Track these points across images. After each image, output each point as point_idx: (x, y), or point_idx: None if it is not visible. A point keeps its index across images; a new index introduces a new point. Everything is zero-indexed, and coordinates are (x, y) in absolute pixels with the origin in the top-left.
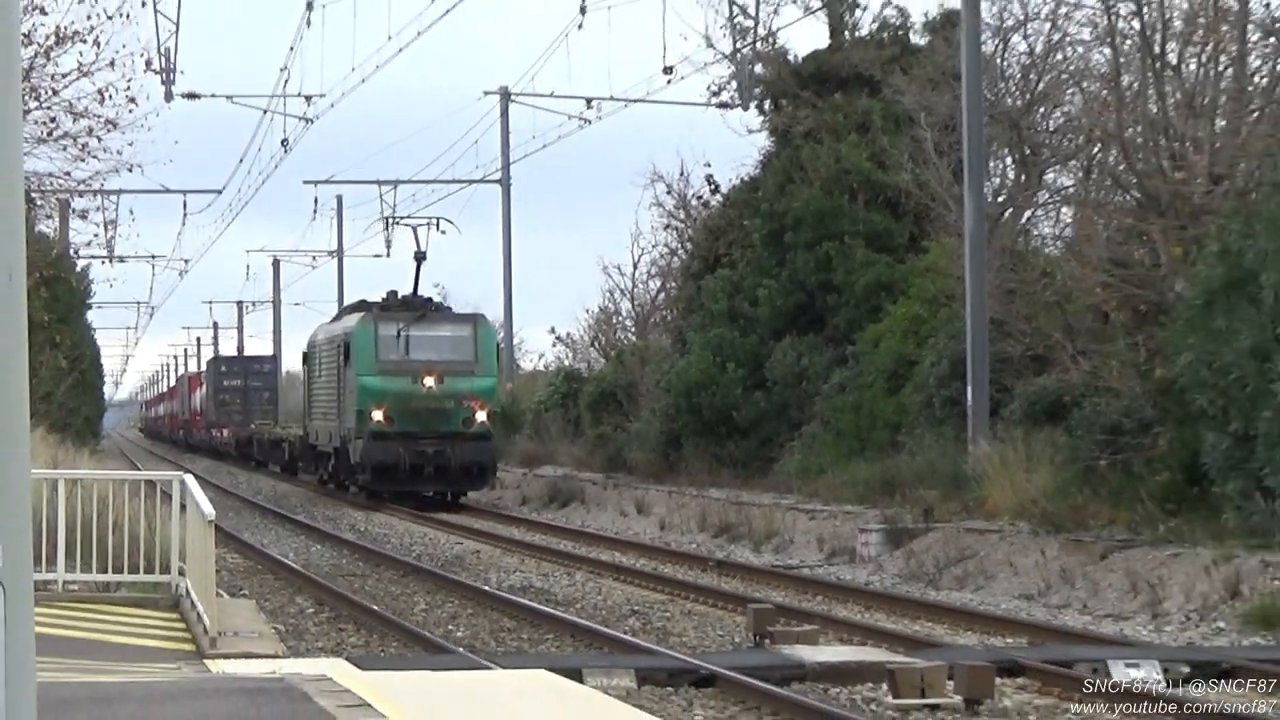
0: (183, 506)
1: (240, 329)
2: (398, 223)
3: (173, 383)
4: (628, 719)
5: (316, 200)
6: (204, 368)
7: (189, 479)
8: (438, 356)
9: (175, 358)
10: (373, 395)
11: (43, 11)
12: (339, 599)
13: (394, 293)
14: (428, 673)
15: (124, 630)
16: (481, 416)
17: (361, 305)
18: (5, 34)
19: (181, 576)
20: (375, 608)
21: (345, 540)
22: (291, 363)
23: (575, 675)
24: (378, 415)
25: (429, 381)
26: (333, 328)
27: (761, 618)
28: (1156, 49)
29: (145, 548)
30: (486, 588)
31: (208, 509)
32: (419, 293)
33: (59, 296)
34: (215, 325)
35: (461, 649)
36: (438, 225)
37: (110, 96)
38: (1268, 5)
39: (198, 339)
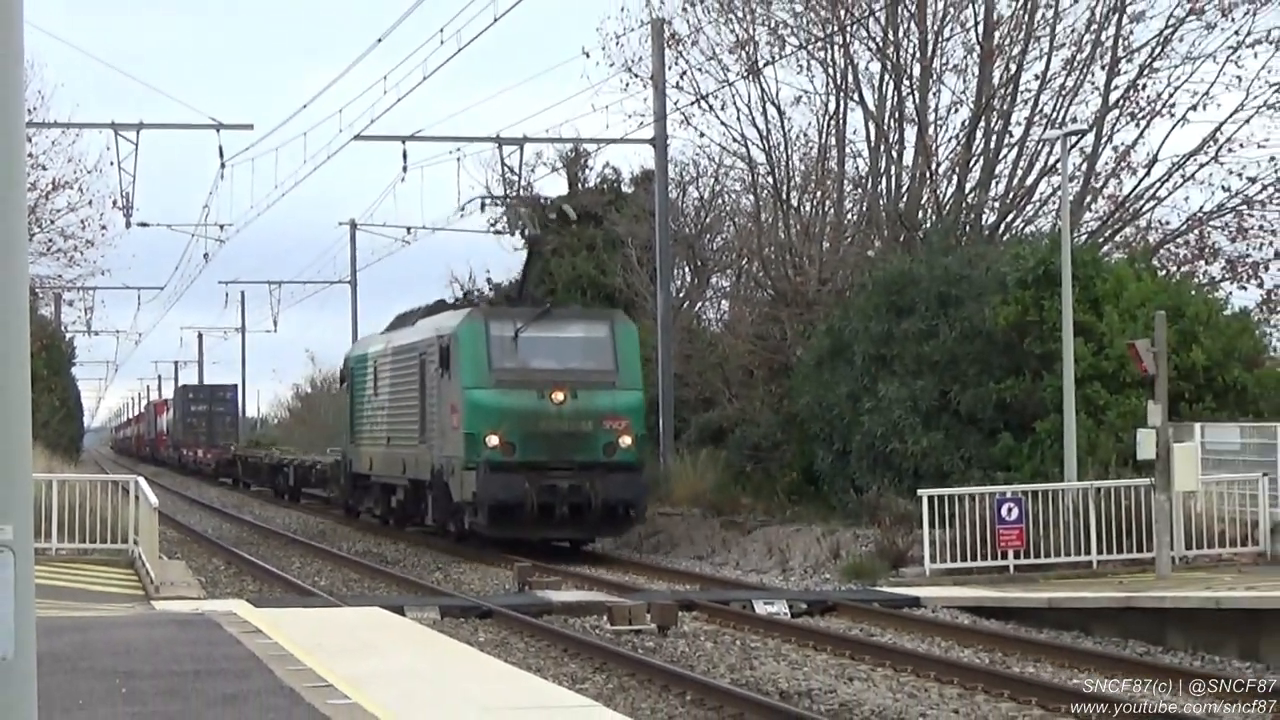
0: (136, 497)
1: (176, 380)
2: (499, 201)
3: (137, 413)
4: (433, 640)
5: (227, 295)
6: (172, 395)
7: (141, 480)
8: (568, 365)
9: (133, 399)
10: (486, 415)
11: (43, 167)
12: (242, 560)
13: (495, 287)
14: (301, 609)
15: (96, 582)
16: (627, 441)
17: (441, 305)
18: (14, 185)
19: (135, 545)
20: (266, 565)
21: (246, 520)
22: None
23: (399, 610)
24: (494, 440)
25: (559, 397)
26: (402, 334)
27: (523, 572)
28: (784, 196)
29: (111, 525)
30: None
31: (153, 500)
32: (527, 289)
33: (53, 358)
34: (159, 378)
35: (323, 593)
36: (559, 210)
37: (88, 225)
38: (857, 168)
39: (148, 386)
